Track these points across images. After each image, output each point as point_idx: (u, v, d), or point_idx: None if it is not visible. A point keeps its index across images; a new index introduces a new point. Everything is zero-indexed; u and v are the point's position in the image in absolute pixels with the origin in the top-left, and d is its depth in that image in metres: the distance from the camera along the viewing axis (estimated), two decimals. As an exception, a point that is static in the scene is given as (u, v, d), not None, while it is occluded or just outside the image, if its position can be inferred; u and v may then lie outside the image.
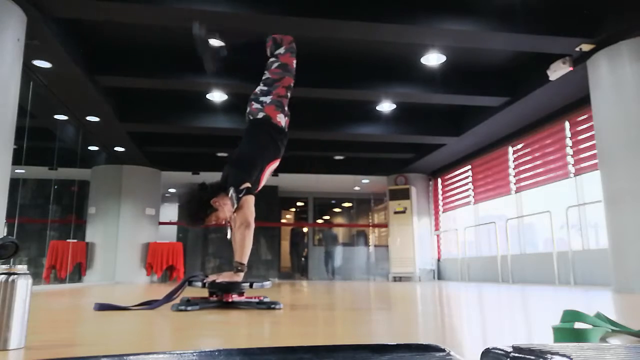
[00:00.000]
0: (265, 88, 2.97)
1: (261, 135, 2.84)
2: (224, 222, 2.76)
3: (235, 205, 2.60)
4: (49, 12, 4.37)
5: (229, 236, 2.85)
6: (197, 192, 2.70)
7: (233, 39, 3.20)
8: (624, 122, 4.68)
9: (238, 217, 2.63)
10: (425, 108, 7.67)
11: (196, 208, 2.66)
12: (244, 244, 2.58)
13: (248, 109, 2.94)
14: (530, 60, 5.94)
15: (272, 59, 3.11)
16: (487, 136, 8.16)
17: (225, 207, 2.62)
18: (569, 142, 6.80)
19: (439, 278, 10.58)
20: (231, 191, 2.59)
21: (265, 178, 2.88)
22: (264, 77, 3.07)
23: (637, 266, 4.44)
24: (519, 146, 7.95)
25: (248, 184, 2.66)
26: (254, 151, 2.82)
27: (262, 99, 2.92)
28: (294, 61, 3.09)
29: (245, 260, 2.58)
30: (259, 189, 2.83)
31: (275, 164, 2.91)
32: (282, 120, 2.91)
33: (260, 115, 2.86)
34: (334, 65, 6.16)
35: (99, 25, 5.24)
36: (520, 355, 0.58)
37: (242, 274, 2.56)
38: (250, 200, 2.65)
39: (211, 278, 2.50)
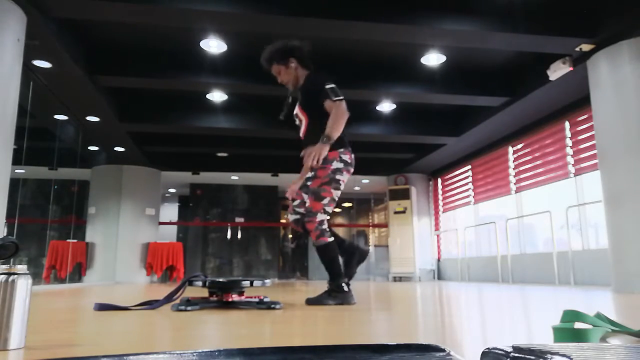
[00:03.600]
0: None
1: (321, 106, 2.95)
2: (281, 81, 3.00)
3: (341, 97, 2.81)
4: (49, 12, 4.37)
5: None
6: (291, 42, 2.95)
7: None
8: (624, 122, 4.68)
9: (340, 105, 2.81)
10: (425, 108, 7.67)
11: (278, 49, 2.93)
12: (339, 123, 2.76)
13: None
14: (530, 60, 5.94)
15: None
16: (487, 136, 8.16)
17: (291, 73, 2.94)
18: (569, 142, 6.80)
19: (439, 278, 10.58)
20: (332, 84, 2.84)
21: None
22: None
23: (637, 266, 4.44)
24: (519, 146, 7.95)
25: (342, 97, 2.85)
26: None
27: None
28: None
29: (334, 136, 2.73)
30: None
31: (302, 114, 2.99)
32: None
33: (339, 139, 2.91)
34: (334, 65, 6.16)
35: (99, 25, 5.24)
36: (520, 355, 0.58)
37: (327, 147, 2.70)
38: (343, 104, 2.84)
39: (305, 153, 2.77)
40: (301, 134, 3.01)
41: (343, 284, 2.77)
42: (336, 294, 2.74)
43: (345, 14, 4.59)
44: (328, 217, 2.84)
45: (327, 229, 2.80)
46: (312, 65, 3.03)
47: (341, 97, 2.82)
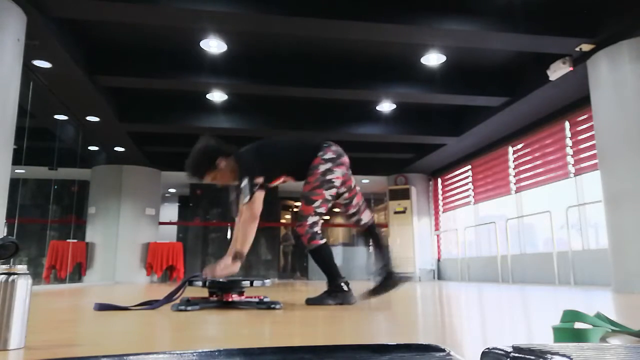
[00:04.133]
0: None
1: (305, 152, 2.84)
2: (219, 185, 2.81)
3: (248, 197, 2.62)
4: (49, 12, 4.37)
5: (235, 222, 2.86)
6: (211, 144, 2.74)
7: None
8: (624, 122, 4.68)
9: (247, 209, 2.66)
10: (425, 108, 7.67)
11: (202, 158, 2.71)
12: (246, 235, 2.63)
13: (325, 141, 2.91)
14: (530, 60, 5.94)
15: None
16: (487, 136, 8.16)
17: (225, 173, 2.71)
18: (569, 142, 6.80)
19: (439, 278, 10.58)
20: (245, 181, 2.62)
21: (274, 184, 2.90)
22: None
23: (637, 266, 4.44)
24: (519, 146, 7.95)
25: (261, 180, 2.68)
26: (288, 154, 2.84)
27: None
28: None
29: (245, 251, 2.62)
30: (271, 186, 2.84)
31: (285, 179, 2.92)
32: (319, 169, 2.84)
33: (315, 152, 2.84)
34: (334, 65, 6.16)
35: (99, 25, 5.24)
36: (520, 355, 0.58)
37: (239, 264, 2.58)
38: (261, 195, 2.69)
39: (208, 269, 2.52)
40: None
41: (342, 284, 2.77)
42: (336, 294, 2.74)
43: (345, 14, 4.59)
44: (320, 219, 2.83)
45: (318, 231, 2.79)
46: (233, 151, 2.80)
47: (248, 197, 2.63)
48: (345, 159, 2.92)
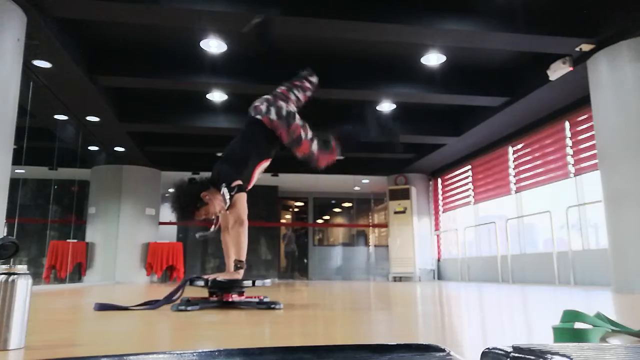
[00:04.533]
0: (283, 102, 2.91)
1: (257, 134, 2.82)
2: (213, 217, 2.74)
3: (228, 203, 2.58)
4: (49, 12, 4.37)
5: (212, 229, 2.83)
6: (187, 186, 2.70)
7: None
8: (624, 122, 4.68)
9: (231, 215, 2.62)
10: (425, 108, 7.67)
11: (186, 201, 2.66)
12: (240, 242, 2.58)
13: (256, 105, 2.88)
14: (530, 60, 5.94)
15: (306, 84, 3.13)
16: (487, 136, 8.16)
17: (215, 202, 2.65)
18: (569, 142, 6.80)
19: (439, 278, 10.58)
20: (223, 188, 2.59)
21: (256, 176, 2.88)
22: (287, 88, 3.01)
23: (637, 266, 4.44)
24: (519, 146, 7.95)
25: (239, 182, 2.65)
26: (246, 150, 2.81)
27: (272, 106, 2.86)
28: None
29: (243, 258, 2.59)
30: (250, 186, 2.83)
31: (266, 164, 2.91)
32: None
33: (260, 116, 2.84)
34: (334, 65, 6.16)
35: (99, 25, 5.24)
36: (520, 355, 0.58)
37: (242, 272, 2.56)
38: (242, 197, 2.64)
39: (211, 277, 2.51)
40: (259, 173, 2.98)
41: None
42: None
43: (345, 14, 4.59)
44: (314, 134, 2.89)
45: (312, 137, 2.86)
46: (209, 183, 2.75)
47: (228, 204, 2.59)
48: (277, 89, 2.97)
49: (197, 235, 2.95)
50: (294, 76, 3.08)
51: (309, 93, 3.08)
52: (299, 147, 2.82)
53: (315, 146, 2.84)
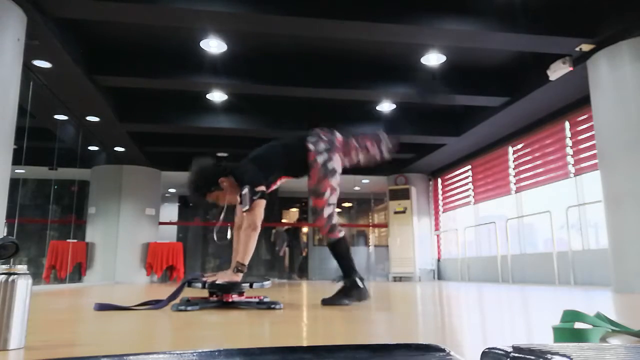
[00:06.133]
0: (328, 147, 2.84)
1: (297, 155, 2.82)
2: (221, 204, 2.75)
3: (248, 206, 2.58)
4: (49, 12, 4.37)
5: (228, 236, 2.85)
6: (210, 166, 2.73)
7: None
8: (624, 122, 4.68)
9: (247, 218, 2.62)
10: (425, 108, 7.67)
11: (204, 180, 2.70)
12: (247, 245, 2.59)
13: (321, 137, 2.85)
14: (530, 60, 5.94)
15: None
16: (487, 136, 8.16)
17: (229, 192, 2.68)
18: (569, 142, 6.80)
19: (439, 278, 10.58)
20: (246, 189, 2.59)
21: (273, 187, 2.89)
22: (359, 147, 2.94)
23: (637, 266, 4.44)
24: (519, 146, 7.95)
25: (263, 188, 2.64)
26: (279, 160, 2.82)
27: (321, 146, 2.82)
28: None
29: (246, 262, 2.59)
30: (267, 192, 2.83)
31: (285, 180, 2.92)
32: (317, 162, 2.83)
33: (305, 148, 2.81)
34: (334, 65, 6.16)
35: (99, 25, 5.24)
36: (520, 355, 0.58)
37: (241, 275, 2.56)
38: (262, 204, 2.63)
39: (210, 278, 2.50)
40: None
41: (357, 280, 2.74)
42: (351, 292, 2.71)
43: (345, 14, 4.59)
44: (334, 209, 2.82)
45: (336, 224, 2.78)
46: (230, 168, 2.78)
47: (248, 207, 2.58)
48: (338, 139, 2.89)
49: (215, 236, 2.95)
50: (377, 128, 2.94)
51: (373, 159, 2.98)
52: (316, 198, 2.80)
53: (327, 211, 2.78)
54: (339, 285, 2.80)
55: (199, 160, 2.75)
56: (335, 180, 2.81)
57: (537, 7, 4.85)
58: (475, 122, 7.48)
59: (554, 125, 7.08)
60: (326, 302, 2.70)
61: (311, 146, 2.80)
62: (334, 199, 2.81)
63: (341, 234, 2.79)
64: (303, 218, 13.94)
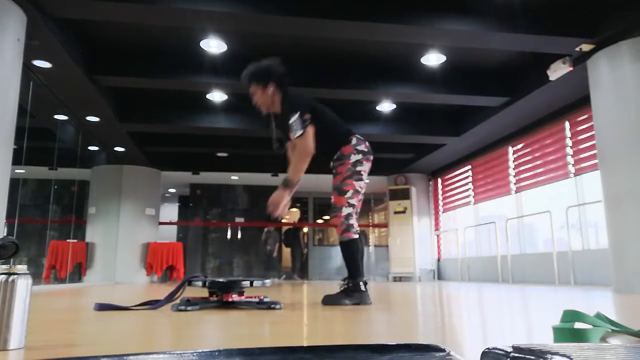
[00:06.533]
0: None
1: (341, 134, 2.91)
2: (254, 101, 2.93)
3: (300, 132, 2.69)
4: (49, 12, 4.37)
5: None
6: (278, 70, 2.89)
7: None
8: (624, 122, 4.68)
9: (300, 144, 2.71)
10: (425, 108, 7.67)
11: (263, 71, 2.87)
12: (297, 165, 2.70)
13: (356, 132, 2.95)
14: (530, 60, 5.94)
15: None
16: (487, 136, 8.16)
17: (267, 98, 2.86)
18: (569, 142, 6.80)
19: (439, 278, 10.58)
20: (296, 116, 2.71)
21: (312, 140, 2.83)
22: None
23: (637, 266, 4.44)
24: (519, 146, 7.95)
25: (309, 117, 2.74)
26: (328, 125, 2.88)
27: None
28: None
29: (294, 179, 2.69)
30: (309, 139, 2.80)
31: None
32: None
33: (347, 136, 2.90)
34: (334, 65, 6.16)
35: (99, 25, 5.24)
36: (520, 355, 0.58)
37: (288, 191, 2.66)
38: (312, 131, 2.75)
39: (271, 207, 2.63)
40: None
41: (360, 283, 2.75)
42: (353, 294, 2.72)
43: (345, 14, 4.59)
44: (355, 210, 2.84)
45: (354, 225, 2.79)
46: (287, 87, 2.95)
47: (301, 131, 2.72)
48: (371, 158, 2.94)
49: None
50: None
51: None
52: (338, 195, 2.81)
53: (346, 210, 2.78)
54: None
55: (276, 60, 2.92)
56: (359, 184, 2.85)
57: (537, 7, 4.85)
58: (475, 122, 7.48)
59: (554, 125, 7.08)
60: (326, 301, 2.70)
61: (354, 140, 2.87)
62: (354, 201, 2.83)
63: (355, 236, 2.79)
64: (304, 218, 13.94)
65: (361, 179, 2.85)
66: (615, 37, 4.73)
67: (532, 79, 6.03)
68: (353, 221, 2.80)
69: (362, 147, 2.87)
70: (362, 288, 2.75)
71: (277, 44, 5.65)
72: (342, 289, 2.77)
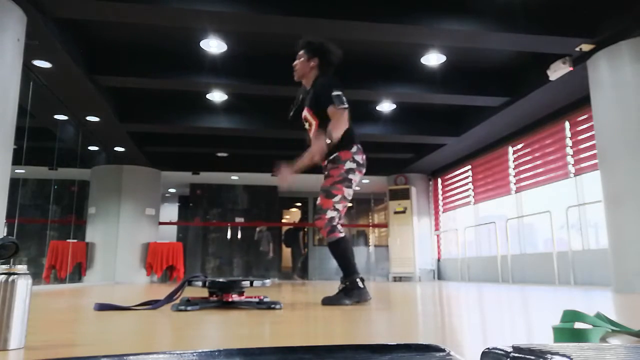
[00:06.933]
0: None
1: (347, 138, 2.93)
2: (294, 64, 3.11)
3: (345, 105, 2.81)
4: (49, 12, 4.37)
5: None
6: (330, 47, 3.03)
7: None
8: (624, 122, 4.68)
9: (342, 114, 2.80)
10: (425, 108, 7.67)
11: (317, 45, 3.02)
12: (336, 128, 2.76)
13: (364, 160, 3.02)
14: (530, 60, 5.94)
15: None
16: (487, 136, 8.16)
17: (306, 68, 3.03)
18: (569, 142, 6.80)
19: (439, 278, 10.58)
20: (339, 92, 2.83)
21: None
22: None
23: (637, 266, 4.44)
24: (519, 146, 7.95)
25: (339, 93, 2.86)
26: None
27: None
28: None
29: (334, 135, 2.74)
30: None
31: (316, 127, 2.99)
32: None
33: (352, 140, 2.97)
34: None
35: (99, 25, 5.24)
36: (520, 355, 0.58)
37: (327, 142, 2.71)
38: (347, 113, 2.85)
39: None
40: (311, 135, 3.04)
41: (357, 280, 2.75)
42: (352, 292, 2.72)
43: (345, 14, 4.58)
44: (338, 215, 2.85)
45: (338, 226, 2.81)
46: (331, 72, 3.05)
47: (346, 106, 2.83)
48: (363, 171, 2.97)
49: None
50: None
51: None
52: (325, 198, 2.83)
53: (330, 214, 2.80)
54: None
55: (338, 49, 3.06)
56: (348, 192, 2.87)
57: (537, 7, 4.85)
58: (475, 122, 7.48)
59: (554, 125, 7.08)
60: (326, 302, 2.70)
61: (354, 149, 2.90)
62: (340, 206, 2.85)
63: (341, 235, 2.80)
64: (304, 218, 13.94)
65: (350, 187, 2.87)
66: (615, 37, 4.73)
67: (532, 79, 6.03)
68: (336, 222, 2.82)
69: (359, 158, 2.90)
70: (360, 285, 2.75)
71: (277, 43, 5.65)
72: (340, 289, 2.77)
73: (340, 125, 2.78)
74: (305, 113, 3.05)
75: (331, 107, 2.81)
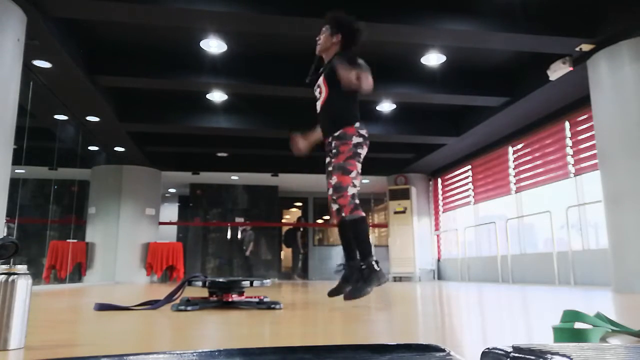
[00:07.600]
0: None
1: (351, 115, 2.97)
2: (317, 37, 3.15)
3: (369, 73, 2.77)
4: (49, 12, 4.37)
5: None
6: (356, 25, 3.11)
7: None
8: (624, 122, 4.68)
9: (369, 76, 2.75)
10: (425, 108, 7.67)
11: (344, 21, 3.10)
12: (366, 82, 2.71)
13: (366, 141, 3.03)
14: (530, 60, 5.94)
15: None
16: (487, 136, 8.16)
17: (329, 42, 3.07)
18: (569, 142, 6.80)
19: (439, 278, 10.58)
20: (364, 62, 2.85)
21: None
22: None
23: (637, 266, 4.44)
24: (519, 146, 7.95)
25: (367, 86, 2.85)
26: (351, 99, 2.97)
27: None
28: None
29: (363, 86, 2.72)
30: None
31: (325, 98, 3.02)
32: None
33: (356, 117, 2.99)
34: (334, 65, 6.15)
35: (99, 25, 5.24)
36: (520, 355, 0.58)
37: (355, 72, 2.70)
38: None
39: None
40: (319, 105, 3.04)
41: (373, 263, 2.72)
42: (370, 277, 2.69)
43: (345, 14, 4.57)
44: (358, 190, 2.83)
45: (359, 205, 2.79)
46: (351, 52, 3.06)
47: (369, 73, 2.81)
48: (368, 144, 2.98)
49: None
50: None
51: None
52: (342, 175, 2.80)
53: (352, 190, 2.78)
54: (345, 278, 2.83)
55: (363, 26, 3.14)
56: (360, 167, 2.87)
57: (537, 7, 4.85)
58: (475, 122, 7.48)
59: (554, 125, 7.07)
60: (349, 296, 2.67)
61: (358, 124, 2.89)
62: (357, 181, 2.83)
63: (363, 214, 2.79)
64: (303, 218, 13.93)
65: (360, 162, 2.86)
66: (615, 37, 4.73)
67: (532, 79, 6.03)
68: (357, 200, 2.79)
69: (363, 132, 2.91)
70: (376, 267, 2.72)
71: (277, 43, 5.65)
72: (356, 277, 2.75)
73: (369, 81, 2.76)
74: (320, 82, 3.05)
75: (356, 69, 2.77)
